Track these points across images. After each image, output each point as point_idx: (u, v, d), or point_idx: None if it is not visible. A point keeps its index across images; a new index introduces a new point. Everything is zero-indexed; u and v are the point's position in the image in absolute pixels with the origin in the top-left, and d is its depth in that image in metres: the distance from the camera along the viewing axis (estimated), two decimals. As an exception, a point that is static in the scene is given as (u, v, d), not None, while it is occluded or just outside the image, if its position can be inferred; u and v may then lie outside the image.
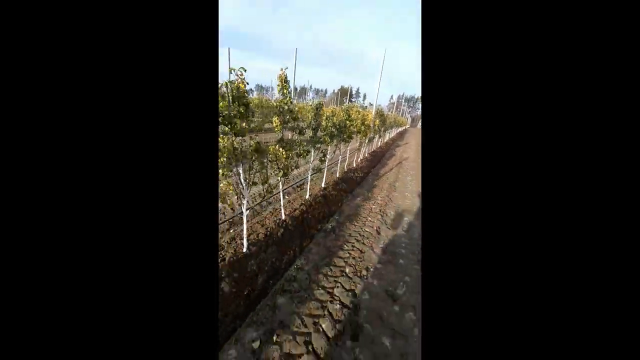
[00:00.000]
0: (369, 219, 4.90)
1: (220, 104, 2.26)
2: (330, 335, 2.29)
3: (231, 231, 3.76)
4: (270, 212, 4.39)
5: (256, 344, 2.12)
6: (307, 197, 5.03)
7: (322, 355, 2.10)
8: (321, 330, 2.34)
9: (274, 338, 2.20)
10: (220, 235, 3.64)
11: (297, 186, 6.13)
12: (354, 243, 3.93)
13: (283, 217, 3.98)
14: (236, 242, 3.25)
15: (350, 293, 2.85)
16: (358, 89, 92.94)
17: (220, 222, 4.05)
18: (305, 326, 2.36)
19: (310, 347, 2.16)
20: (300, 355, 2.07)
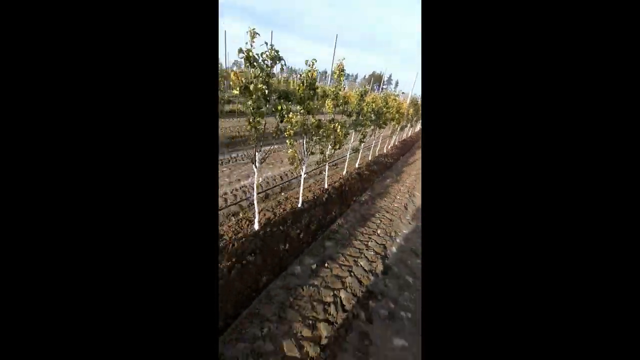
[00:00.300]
0: (398, 197, 5.51)
1: (299, 89, 2.98)
2: (366, 269, 3.05)
3: (282, 194, 4.63)
4: (314, 182, 5.18)
5: (314, 266, 2.95)
6: (343, 173, 5.74)
7: (360, 279, 2.88)
8: (359, 265, 3.11)
9: (325, 265, 3.01)
10: (275, 196, 4.51)
11: (333, 164, 6.85)
12: (384, 213, 4.60)
13: (326, 186, 4.75)
14: (290, 201, 4.10)
15: (381, 246, 3.57)
16: (390, 76, 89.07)
17: (274, 186, 4.94)
18: (347, 261, 3.14)
19: (351, 273, 2.94)
20: (345, 277, 2.87)
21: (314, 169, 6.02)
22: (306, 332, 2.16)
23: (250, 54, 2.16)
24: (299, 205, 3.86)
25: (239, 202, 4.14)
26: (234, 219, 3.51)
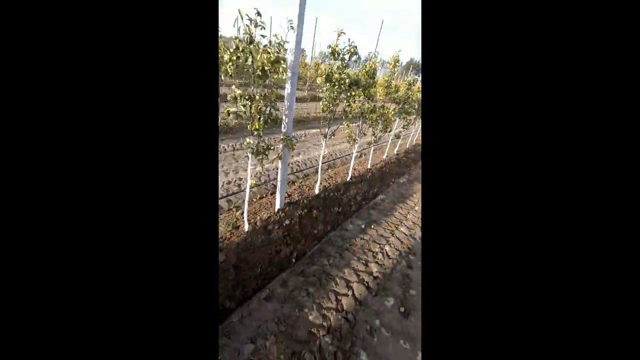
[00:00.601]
0: (434, 183, 5.89)
1: (363, 78, 3.52)
2: (406, 234, 3.64)
3: (328, 170, 5.29)
4: (357, 163, 5.77)
5: (362, 226, 3.61)
6: (384, 157, 6.23)
7: (401, 240, 3.48)
8: (400, 230, 3.70)
9: (371, 226, 3.65)
10: (323, 172, 5.21)
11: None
12: (420, 194, 5.07)
13: (369, 166, 5.32)
14: (340, 175, 4.75)
15: (419, 219, 4.11)
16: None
17: (323, 162, 5.62)
18: (390, 226, 3.75)
19: (394, 235, 3.55)
20: (388, 237, 3.49)
21: (357, 151, 6.57)
22: (360, 267, 2.85)
23: (336, 49, 2.75)
24: (348, 179, 4.50)
25: (295, 172, 4.90)
26: (295, 185, 4.27)
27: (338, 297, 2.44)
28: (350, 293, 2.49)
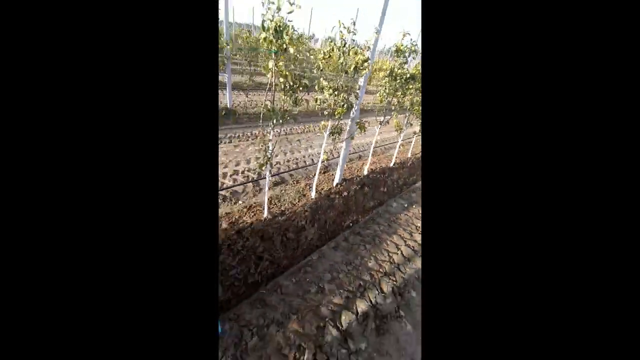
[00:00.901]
0: (471, 175, 6.12)
1: (417, 72, 3.91)
2: (445, 215, 4.07)
3: (370, 158, 5.77)
4: (398, 152, 6.18)
5: (405, 205, 4.11)
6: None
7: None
8: (439, 212, 4.14)
9: (413, 206, 4.13)
10: (366, 158, 5.71)
11: (408, 142, 7.63)
12: (458, 185, 5.39)
13: (409, 155, 5.71)
14: (384, 162, 5.23)
15: (456, 205, 4.49)
16: (471, 55, 77.43)
17: (365, 149, 6.12)
18: (430, 208, 4.20)
19: (434, 215, 4.00)
20: (428, 216, 3.95)
21: (396, 141, 6.94)
22: (406, 235, 3.37)
23: (401, 48, 3.19)
24: (391, 165, 4.97)
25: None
26: (345, 166, 4.85)
27: (390, 254, 3.00)
28: (399, 252, 3.05)
